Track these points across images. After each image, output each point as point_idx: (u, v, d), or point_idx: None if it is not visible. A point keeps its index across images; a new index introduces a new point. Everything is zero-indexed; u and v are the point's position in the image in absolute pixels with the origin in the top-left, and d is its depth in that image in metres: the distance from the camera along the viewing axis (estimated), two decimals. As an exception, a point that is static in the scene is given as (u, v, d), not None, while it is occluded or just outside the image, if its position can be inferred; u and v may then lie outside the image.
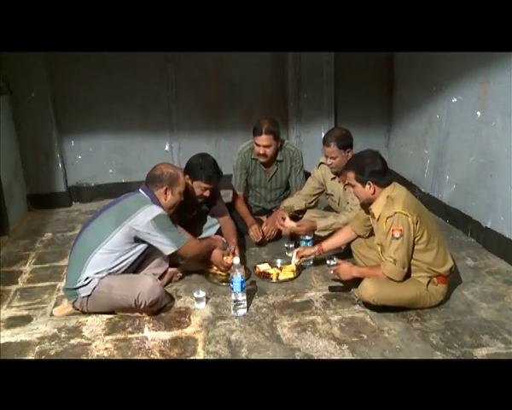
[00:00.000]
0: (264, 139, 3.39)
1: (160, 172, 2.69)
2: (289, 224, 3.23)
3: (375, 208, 2.58)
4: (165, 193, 2.67)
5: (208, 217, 3.59)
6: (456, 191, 3.78)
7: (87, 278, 2.48)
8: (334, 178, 3.32)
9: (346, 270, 2.68)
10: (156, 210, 2.56)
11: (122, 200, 2.69)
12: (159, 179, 2.67)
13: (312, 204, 3.48)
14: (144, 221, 2.50)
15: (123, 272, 2.60)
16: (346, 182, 3.20)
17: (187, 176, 3.11)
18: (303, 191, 3.47)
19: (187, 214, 3.21)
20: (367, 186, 2.55)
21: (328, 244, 2.96)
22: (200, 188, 3.10)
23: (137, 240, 2.57)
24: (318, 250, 2.95)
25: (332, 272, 2.78)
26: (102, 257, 2.50)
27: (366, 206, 2.71)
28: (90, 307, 2.56)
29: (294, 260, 3.00)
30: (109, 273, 2.53)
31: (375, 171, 2.53)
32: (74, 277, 2.51)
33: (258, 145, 3.43)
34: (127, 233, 2.52)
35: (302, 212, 3.46)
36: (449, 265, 2.56)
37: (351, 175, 2.60)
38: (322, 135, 4.74)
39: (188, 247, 2.68)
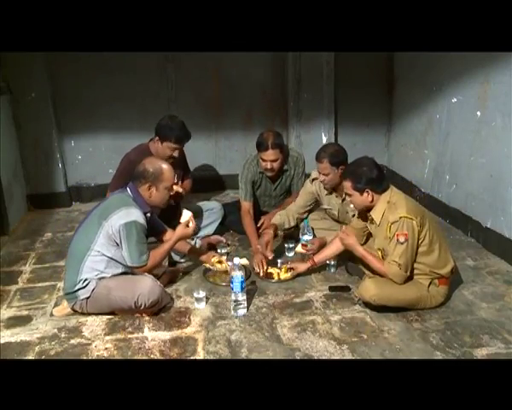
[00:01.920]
0: (271, 154, 3.32)
1: (142, 168, 2.58)
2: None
3: (376, 214, 2.57)
4: (149, 189, 2.57)
5: (206, 214, 3.59)
6: (456, 191, 3.78)
7: (85, 280, 2.47)
8: (330, 193, 3.26)
9: (351, 243, 2.68)
10: (132, 215, 2.46)
11: (107, 198, 2.64)
12: (142, 176, 2.56)
13: (304, 216, 3.38)
14: (117, 224, 2.44)
15: (121, 274, 2.60)
16: (344, 196, 3.15)
17: (156, 138, 3.17)
18: (296, 202, 3.38)
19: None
20: (365, 194, 2.54)
21: (319, 258, 2.96)
22: (169, 149, 3.15)
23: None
24: (312, 265, 2.96)
25: (339, 237, 2.79)
26: (95, 259, 2.47)
27: (364, 213, 2.69)
28: (90, 309, 2.56)
29: (286, 275, 2.98)
30: (106, 276, 2.52)
31: (373, 179, 2.52)
32: (72, 280, 2.50)
33: (265, 160, 3.36)
34: (106, 235, 2.46)
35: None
36: (450, 266, 2.56)
37: (348, 184, 2.58)
38: (323, 135, 4.82)
39: (145, 269, 2.56)
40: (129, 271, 2.62)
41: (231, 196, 4.60)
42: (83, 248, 2.49)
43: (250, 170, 3.52)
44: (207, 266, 3.04)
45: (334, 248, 2.91)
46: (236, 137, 4.86)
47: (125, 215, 2.45)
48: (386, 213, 2.51)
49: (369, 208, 2.61)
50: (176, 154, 3.19)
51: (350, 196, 2.62)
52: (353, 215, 3.18)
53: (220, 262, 3.00)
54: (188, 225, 2.72)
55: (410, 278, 2.53)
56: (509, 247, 3.14)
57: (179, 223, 2.78)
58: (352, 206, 2.75)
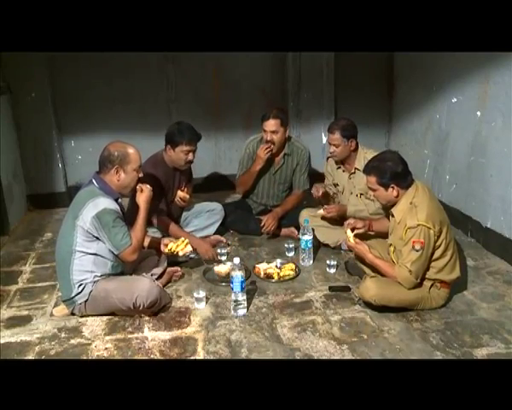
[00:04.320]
0: (271, 124, 3.42)
1: (107, 152, 2.51)
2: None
3: (397, 212, 2.52)
4: (117, 173, 2.49)
5: (207, 215, 3.59)
6: (456, 191, 3.78)
7: (80, 285, 2.47)
8: (338, 168, 3.37)
9: (362, 251, 2.65)
10: (101, 204, 2.39)
11: (77, 194, 2.54)
12: (108, 160, 2.49)
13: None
14: (89, 218, 2.38)
15: (118, 274, 2.59)
16: (353, 170, 3.27)
17: (168, 146, 3.18)
18: (326, 188, 3.53)
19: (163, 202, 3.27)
20: (390, 189, 2.48)
21: (376, 224, 2.89)
22: (183, 152, 3.17)
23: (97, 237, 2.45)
24: (369, 226, 2.87)
25: (347, 246, 2.76)
26: (81, 261, 2.45)
27: (387, 207, 2.66)
28: (89, 311, 2.56)
29: (350, 236, 2.75)
30: (101, 276, 2.51)
31: (398, 173, 2.46)
32: (66, 288, 2.50)
33: (265, 132, 3.47)
34: (82, 233, 2.42)
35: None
36: (455, 275, 2.55)
37: (372, 179, 2.52)
38: (323, 135, 4.83)
39: (133, 247, 2.47)
40: (120, 267, 2.59)
41: (231, 196, 4.60)
42: (66, 254, 2.47)
43: (249, 146, 3.65)
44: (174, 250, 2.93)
45: (386, 222, 2.80)
46: (236, 138, 4.86)
47: (93, 207, 2.38)
48: (406, 215, 2.45)
49: (392, 204, 2.56)
50: (191, 156, 3.20)
51: (374, 191, 2.57)
52: (357, 195, 3.26)
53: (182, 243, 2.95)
54: (141, 190, 2.63)
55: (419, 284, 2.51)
56: (509, 247, 3.14)
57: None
58: (369, 196, 2.71)
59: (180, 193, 3.36)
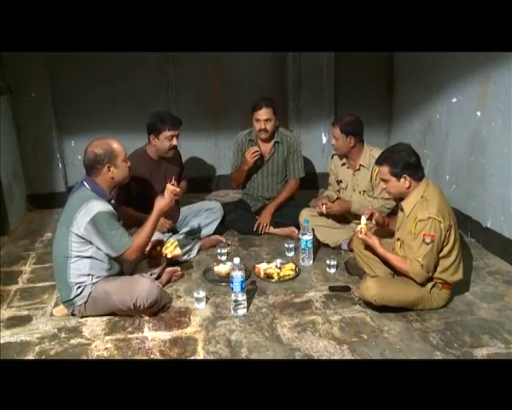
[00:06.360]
0: (264, 113, 3.47)
1: (92, 155, 2.45)
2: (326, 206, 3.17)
3: (407, 205, 2.52)
4: (109, 170, 2.47)
5: (206, 213, 3.59)
6: (456, 191, 3.78)
7: (79, 287, 2.47)
8: (343, 164, 3.38)
9: (373, 245, 2.62)
10: (94, 208, 2.37)
11: (69, 198, 2.52)
12: (97, 162, 2.45)
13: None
14: (83, 223, 2.37)
15: (117, 274, 2.59)
16: (358, 167, 3.28)
17: (151, 136, 3.19)
18: (329, 186, 3.56)
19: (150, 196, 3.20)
20: (402, 180, 2.47)
21: (392, 224, 2.83)
22: (167, 139, 3.17)
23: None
24: (388, 223, 2.82)
25: (360, 234, 2.64)
26: (78, 265, 2.45)
27: (397, 200, 2.65)
28: (89, 312, 2.56)
29: (363, 222, 2.69)
30: (99, 277, 2.50)
31: (410, 163, 2.46)
32: (65, 291, 2.50)
33: (258, 121, 3.51)
34: (77, 238, 2.42)
35: None
36: (458, 277, 2.55)
37: (384, 170, 2.51)
38: (323, 135, 4.83)
39: (132, 250, 2.48)
40: (117, 268, 2.59)
41: (231, 196, 4.61)
42: (62, 259, 2.47)
43: (237, 141, 3.73)
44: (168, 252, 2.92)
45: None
46: (236, 138, 4.86)
47: (87, 212, 2.37)
48: (417, 208, 2.45)
49: (403, 196, 2.55)
50: (175, 141, 3.20)
51: (386, 181, 2.55)
52: (360, 192, 3.27)
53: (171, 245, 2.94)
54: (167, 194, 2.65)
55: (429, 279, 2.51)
56: (509, 247, 3.14)
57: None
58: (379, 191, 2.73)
59: (170, 186, 3.29)
